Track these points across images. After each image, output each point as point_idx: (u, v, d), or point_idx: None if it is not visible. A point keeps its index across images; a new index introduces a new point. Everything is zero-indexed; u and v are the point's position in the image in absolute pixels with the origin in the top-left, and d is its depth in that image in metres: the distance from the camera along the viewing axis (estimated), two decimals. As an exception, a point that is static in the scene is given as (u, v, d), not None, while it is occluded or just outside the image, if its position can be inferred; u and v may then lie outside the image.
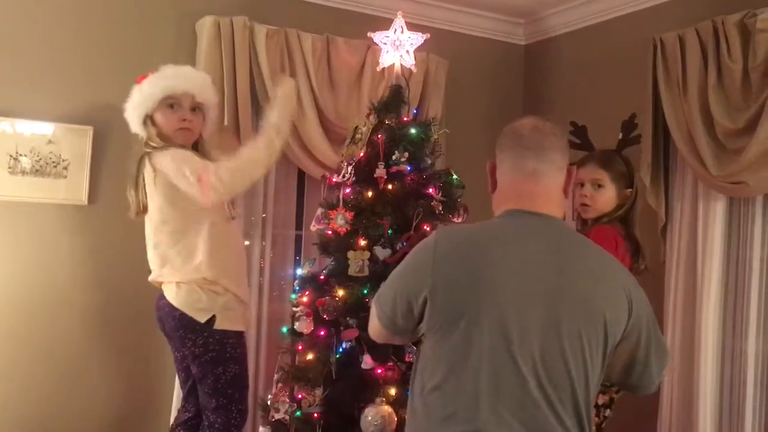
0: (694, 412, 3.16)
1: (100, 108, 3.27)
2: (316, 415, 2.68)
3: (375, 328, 1.75)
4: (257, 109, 3.53)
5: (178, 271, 2.50)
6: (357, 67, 3.72)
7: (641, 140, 3.06)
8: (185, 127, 2.57)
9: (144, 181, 2.51)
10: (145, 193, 2.52)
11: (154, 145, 2.51)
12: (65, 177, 3.19)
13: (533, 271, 1.54)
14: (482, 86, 4.26)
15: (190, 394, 2.70)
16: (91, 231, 3.26)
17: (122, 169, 3.28)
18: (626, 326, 1.59)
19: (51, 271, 3.18)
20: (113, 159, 3.29)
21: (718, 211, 3.18)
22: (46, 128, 3.16)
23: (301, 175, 3.76)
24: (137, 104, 2.57)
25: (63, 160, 3.18)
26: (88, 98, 3.26)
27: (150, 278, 2.59)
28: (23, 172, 3.12)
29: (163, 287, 2.55)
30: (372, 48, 3.61)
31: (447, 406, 1.52)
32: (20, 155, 3.11)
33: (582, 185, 2.58)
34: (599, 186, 2.56)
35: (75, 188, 3.20)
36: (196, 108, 2.61)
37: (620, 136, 2.91)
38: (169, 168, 2.41)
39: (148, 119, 2.55)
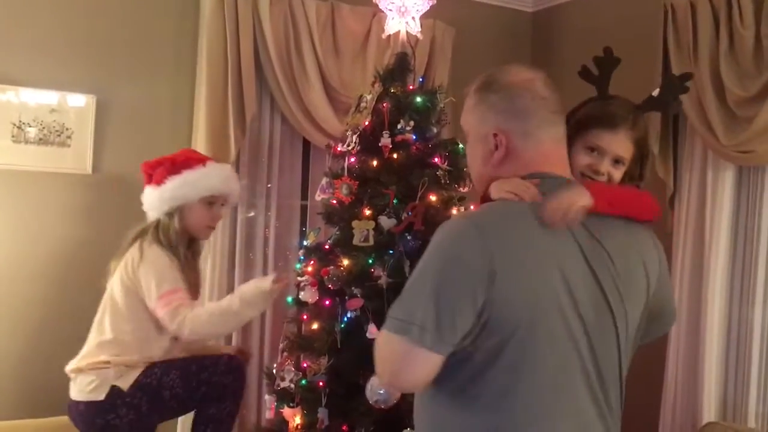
0: (699, 380, 3.17)
1: (103, 77, 3.25)
2: (321, 383, 2.69)
3: None
4: (261, 77, 3.50)
5: (84, 355, 2.54)
6: (362, 35, 3.67)
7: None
8: (214, 225, 2.70)
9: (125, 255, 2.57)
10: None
11: (160, 238, 2.54)
12: (69, 146, 3.17)
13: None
14: (489, 54, 4.20)
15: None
16: (94, 200, 3.25)
17: (126, 137, 3.32)
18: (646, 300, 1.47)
19: (55, 239, 3.19)
20: (117, 128, 3.28)
21: (727, 180, 3.15)
22: (49, 97, 3.13)
23: (306, 144, 3.74)
24: (177, 195, 2.56)
25: (67, 129, 3.17)
26: (91, 67, 3.23)
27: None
28: (27, 141, 3.10)
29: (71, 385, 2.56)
30: (377, 15, 3.56)
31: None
32: (24, 124, 3.09)
33: (593, 151, 1.63)
34: (618, 162, 1.64)
35: (79, 157, 3.19)
36: (224, 205, 2.75)
37: (656, 92, 1.87)
38: (152, 275, 2.46)
39: (177, 211, 2.57)
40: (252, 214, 3.59)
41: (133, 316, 2.50)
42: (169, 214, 2.56)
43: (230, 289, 3.46)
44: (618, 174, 1.65)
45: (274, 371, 2.90)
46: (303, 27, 3.51)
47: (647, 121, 1.79)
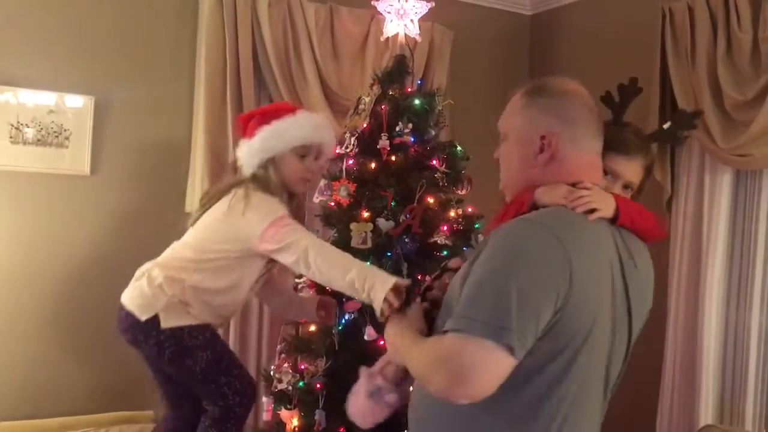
0: (696, 383, 3.17)
1: (102, 78, 3.25)
2: (318, 385, 2.69)
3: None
4: (260, 79, 3.50)
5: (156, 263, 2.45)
6: (361, 37, 3.68)
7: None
8: (308, 177, 2.53)
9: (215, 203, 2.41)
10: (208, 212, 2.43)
11: (262, 187, 2.38)
12: (67, 147, 3.17)
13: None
14: (487, 57, 4.21)
15: (172, 407, 2.65)
16: (93, 201, 3.25)
17: (124, 139, 3.32)
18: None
19: (53, 241, 3.18)
20: (115, 129, 3.28)
21: (724, 183, 3.15)
22: (48, 98, 3.13)
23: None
24: (266, 147, 2.42)
25: (65, 130, 3.16)
26: (90, 68, 3.23)
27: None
28: (25, 142, 3.10)
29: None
30: (376, 18, 3.56)
31: None
32: (22, 125, 3.09)
33: (606, 174, 1.65)
34: (627, 188, 1.72)
35: (77, 158, 3.19)
36: (318, 157, 2.56)
37: (667, 125, 2.04)
38: (260, 211, 2.29)
39: (271, 163, 2.43)
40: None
41: (215, 264, 2.37)
42: (263, 167, 2.42)
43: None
44: (625, 197, 1.65)
45: (272, 373, 2.89)
46: (302, 29, 3.52)
47: (655, 151, 1.91)
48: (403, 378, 1.56)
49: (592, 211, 1.36)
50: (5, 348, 3.11)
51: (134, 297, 2.39)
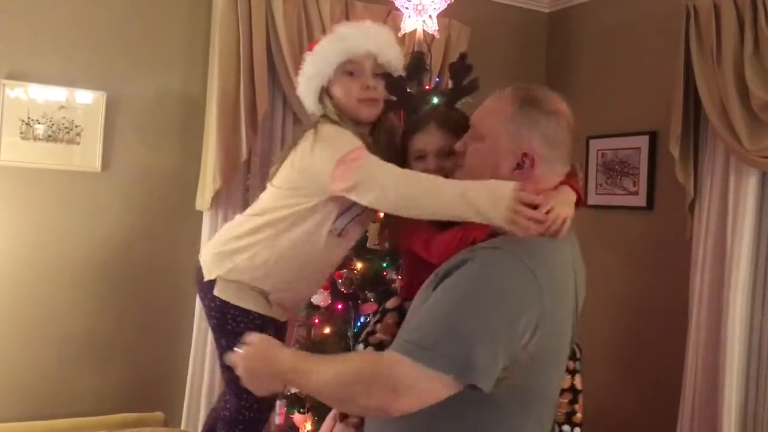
0: (719, 392, 3.09)
1: (113, 73, 3.20)
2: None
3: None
4: (274, 75, 3.44)
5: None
6: (377, 34, 3.60)
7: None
8: (370, 97, 1.97)
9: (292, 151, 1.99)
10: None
11: (332, 119, 1.97)
12: (78, 143, 3.12)
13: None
14: (504, 55, 4.13)
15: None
16: (103, 198, 3.20)
17: (136, 135, 3.27)
18: None
19: (63, 238, 3.13)
20: (127, 125, 3.23)
21: (750, 185, 3.07)
22: (59, 93, 3.08)
23: (318, 144, 3.67)
24: (310, 76, 2.01)
25: (76, 126, 3.11)
26: (101, 63, 3.18)
27: None
28: (36, 138, 3.05)
29: None
30: (392, 13, 3.49)
31: None
32: (33, 121, 3.04)
33: (420, 158, 1.75)
34: (441, 157, 1.72)
35: (88, 155, 3.14)
36: (379, 74, 2.01)
37: (450, 84, 2.09)
38: (330, 145, 1.86)
39: (325, 93, 2.00)
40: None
41: (294, 227, 1.95)
42: (320, 101, 2.02)
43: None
44: (450, 163, 1.64)
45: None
46: (316, 24, 3.45)
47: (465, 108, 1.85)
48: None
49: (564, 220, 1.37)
50: (14, 347, 3.06)
51: (206, 261, 2.07)
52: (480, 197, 1.44)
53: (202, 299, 2.14)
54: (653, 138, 3.59)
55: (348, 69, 1.95)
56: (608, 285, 3.70)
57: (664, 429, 3.33)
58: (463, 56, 1.97)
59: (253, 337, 1.45)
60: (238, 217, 2.10)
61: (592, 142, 3.84)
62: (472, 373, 1.20)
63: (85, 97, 3.13)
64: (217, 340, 2.16)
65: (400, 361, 1.22)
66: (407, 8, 2.96)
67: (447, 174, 1.59)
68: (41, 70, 3.06)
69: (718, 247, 3.17)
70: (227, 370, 2.01)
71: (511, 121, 1.40)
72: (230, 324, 2.10)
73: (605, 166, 3.81)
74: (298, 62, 3.36)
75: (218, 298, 2.05)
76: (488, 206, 1.42)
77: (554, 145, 1.40)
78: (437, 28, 2.99)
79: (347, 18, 3.53)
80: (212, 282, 2.04)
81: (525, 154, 1.39)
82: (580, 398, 1.82)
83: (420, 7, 2.94)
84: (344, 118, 1.94)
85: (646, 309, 3.59)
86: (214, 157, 3.25)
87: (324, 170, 1.81)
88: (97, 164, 3.16)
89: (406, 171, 1.73)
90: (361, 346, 1.66)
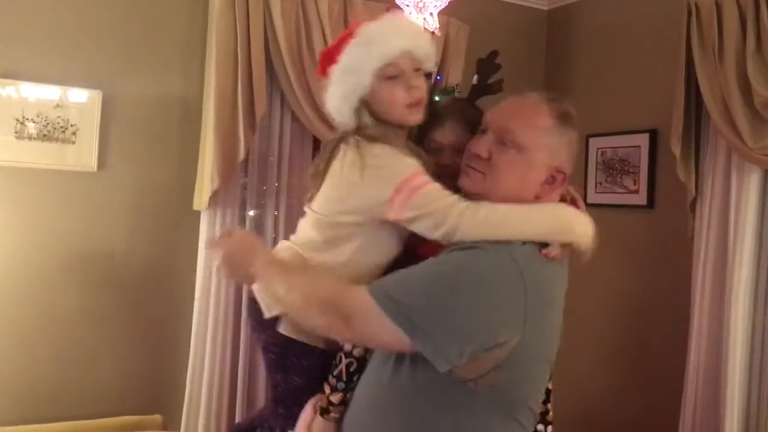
0: (721, 392, 3.07)
1: (109, 72, 3.15)
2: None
3: None
4: (272, 74, 3.40)
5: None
6: (375, 31, 3.57)
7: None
8: (417, 99, 1.71)
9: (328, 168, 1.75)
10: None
11: (373, 135, 1.69)
12: (73, 143, 3.08)
13: None
14: (503, 53, 4.00)
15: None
16: (100, 198, 3.16)
17: (133, 135, 3.22)
18: None
19: (60, 238, 3.09)
20: (123, 124, 3.19)
21: (752, 183, 3.05)
22: (53, 92, 3.04)
23: (317, 143, 3.64)
24: (347, 91, 1.70)
25: (71, 125, 3.07)
26: (97, 62, 3.13)
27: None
28: (30, 137, 3.00)
29: None
30: (391, 10, 3.45)
31: None
32: (27, 119, 3.00)
33: (438, 151, 1.73)
34: (456, 152, 1.69)
35: (84, 154, 3.09)
36: (419, 69, 1.76)
37: (475, 79, 1.98)
38: (381, 173, 1.62)
39: (362, 105, 1.72)
40: (252, 212, 3.48)
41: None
42: (358, 112, 1.74)
43: (237, 293, 3.37)
44: (458, 159, 1.63)
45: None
46: (315, 22, 3.42)
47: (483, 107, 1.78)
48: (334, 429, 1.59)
49: None
50: (9, 349, 3.02)
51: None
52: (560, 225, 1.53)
53: (257, 334, 1.92)
54: (653, 136, 3.57)
55: (389, 74, 1.69)
56: (609, 284, 3.68)
57: (665, 426, 3.31)
58: (493, 54, 1.91)
59: (240, 231, 1.56)
60: (285, 248, 1.85)
61: (591, 140, 3.82)
62: (425, 343, 1.30)
63: (81, 95, 3.09)
64: (271, 375, 1.96)
65: (367, 301, 1.34)
66: (408, 5, 2.93)
67: (456, 170, 1.58)
68: (36, 69, 3.01)
69: (719, 246, 3.15)
70: (283, 406, 1.91)
71: (550, 136, 1.43)
72: (291, 360, 1.90)
73: (605, 165, 3.79)
74: (296, 61, 3.37)
75: (281, 334, 1.85)
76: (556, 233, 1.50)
77: (573, 163, 1.48)
78: (438, 25, 2.96)
79: (345, 16, 3.50)
80: (274, 319, 1.80)
81: (558, 170, 1.44)
82: (551, 397, 1.84)
83: (421, 5, 2.91)
84: (386, 127, 1.71)
85: (648, 308, 3.57)
86: (211, 157, 3.21)
87: (379, 198, 1.61)
88: (93, 164, 3.11)
89: (477, 205, 1.53)
90: (342, 355, 1.65)
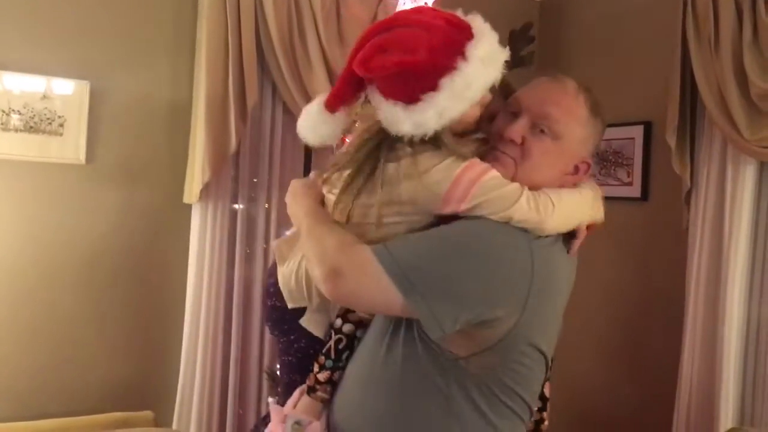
0: (716, 384, 3.07)
1: (97, 62, 3.09)
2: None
3: None
4: (264, 68, 3.35)
5: None
6: (368, 21, 3.51)
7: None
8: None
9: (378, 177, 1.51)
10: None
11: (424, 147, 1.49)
12: (61, 135, 3.01)
13: None
14: (496, 44, 4.07)
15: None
16: (88, 191, 3.10)
17: (122, 126, 3.16)
18: None
19: (47, 232, 3.03)
20: (112, 116, 3.12)
21: (747, 175, 3.04)
22: (40, 82, 2.97)
23: (308, 135, 3.59)
24: (444, 117, 1.45)
25: (58, 117, 3.00)
26: (85, 51, 3.07)
27: None
28: (16, 129, 2.94)
29: None
30: (384, 1, 3.42)
31: None
32: (12, 111, 2.93)
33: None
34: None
35: (71, 146, 3.03)
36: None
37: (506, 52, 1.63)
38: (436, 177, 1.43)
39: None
40: (237, 206, 3.41)
41: None
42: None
43: (229, 287, 3.33)
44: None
45: (276, 372, 2.77)
46: (306, 13, 3.37)
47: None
48: (321, 409, 1.54)
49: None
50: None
51: (287, 278, 1.72)
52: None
53: (278, 330, 1.83)
54: (648, 128, 3.55)
55: (485, 101, 1.54)
56: (603, 277, 3.67)
57: (660, 419, 3.30)
58: (527, 26, 1.84)
59: (301, 180, 1.66)
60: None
61: (585, 132, 3.80)
62: (419, 305, 1.26)
63: (68, 86, 3.02)
64: (289, 376, 1.87)
65: (368, 255, 1.30)
66: (402, -5, 2.89)
67: (483, 140, 1.50)
68: (22, 59, 2.94)
69: (714, 238, 3.14)
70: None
71: (585, 126, 1.43)
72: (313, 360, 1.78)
73: (599, 157, 3.77)
74: (288, 52, 3.32)
75: (306, 338, 1.77)
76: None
77: (593, 147, 1.48)
78: (432, 15, 2.92)
79: (338, 6, 3.45)
80: (297, 311, 1.73)
81: (584, 162, 1.44)
82: (548, 406, 1.78)
83: (415, -6, 2.87)
84: (453, 141, 1.51)
85: (642, 301, 3.56)
86: (202, 149, 3.16)
87: (436, 192, 1.43)
88: (81, 156, 3.05)
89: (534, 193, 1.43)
90: (339, 320, 1.60)
